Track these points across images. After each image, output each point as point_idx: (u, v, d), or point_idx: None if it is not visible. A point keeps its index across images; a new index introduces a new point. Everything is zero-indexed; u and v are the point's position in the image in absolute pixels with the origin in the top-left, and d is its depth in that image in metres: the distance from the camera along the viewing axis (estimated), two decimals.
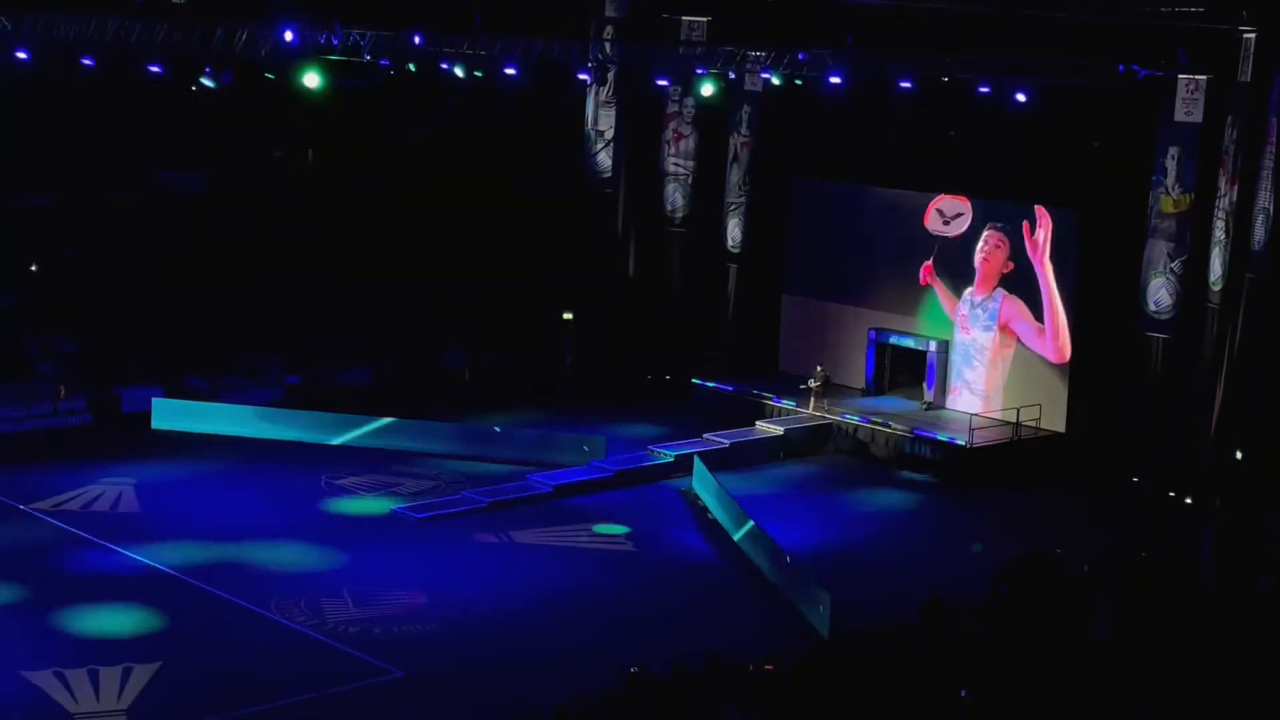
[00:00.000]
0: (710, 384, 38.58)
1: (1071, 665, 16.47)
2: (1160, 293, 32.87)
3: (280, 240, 43.12)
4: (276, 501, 31.11)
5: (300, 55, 30.68)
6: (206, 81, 31.26)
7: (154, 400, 36.11)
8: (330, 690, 22.26)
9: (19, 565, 26.84)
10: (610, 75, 39.06)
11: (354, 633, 24.29)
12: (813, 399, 36.28)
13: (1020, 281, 35.54)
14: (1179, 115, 32.26)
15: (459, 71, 33.75)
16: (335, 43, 30.90)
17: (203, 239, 42.47)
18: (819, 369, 36.62)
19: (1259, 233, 31.52)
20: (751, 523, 28.34)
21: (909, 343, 37.37)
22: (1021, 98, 33.04)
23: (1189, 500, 31.69)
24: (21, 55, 30.81)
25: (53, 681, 22.09)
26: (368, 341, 41.52)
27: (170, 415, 35.84)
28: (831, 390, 36.66)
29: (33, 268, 40.87)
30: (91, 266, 40.55)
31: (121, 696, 21.61)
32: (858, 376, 38.25)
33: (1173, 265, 32.65)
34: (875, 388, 37.81)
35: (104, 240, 41.26)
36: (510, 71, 34.26)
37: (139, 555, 27.47)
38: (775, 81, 36.00)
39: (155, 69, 31.25)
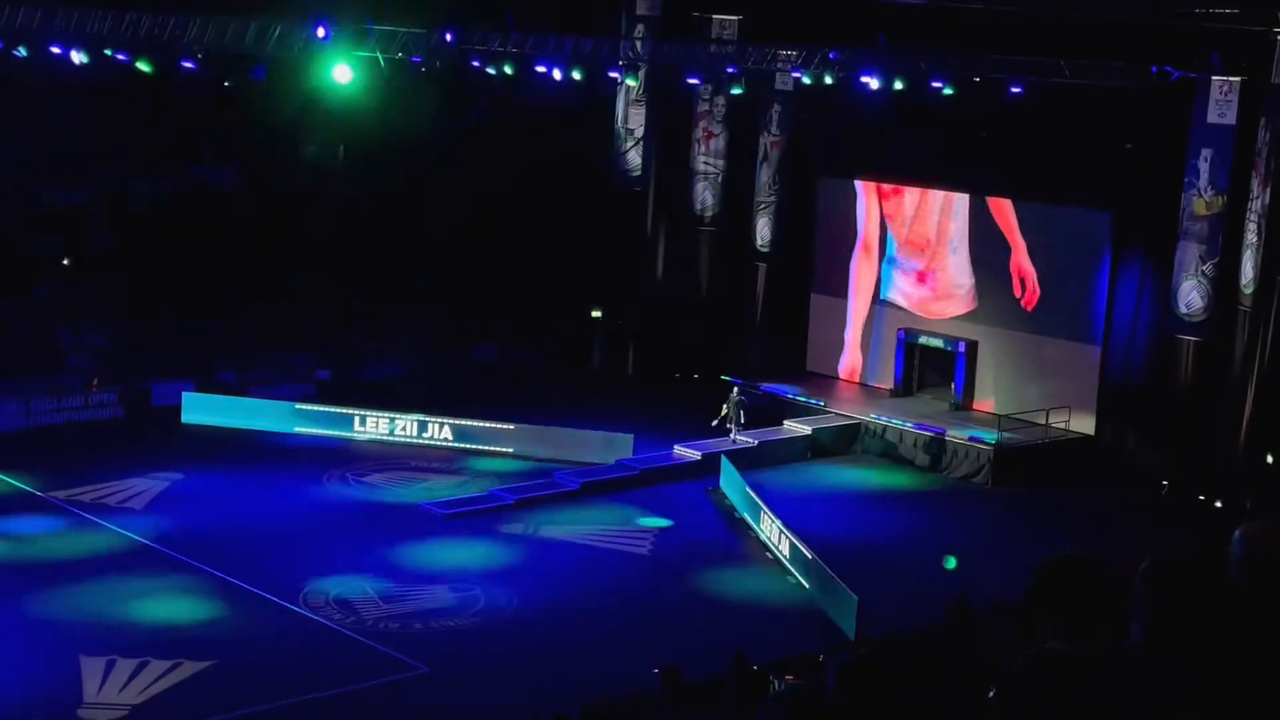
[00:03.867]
0: (737, 382, 38.51)
1: (1102, 668, 16.34)
2: (1192, 295, 32.71)
3: (311, 235, 43.25)
4: (301, 498, 31.19)
5: (333, 52, 30.79)
6: (239, 77, 31.38)
7: (184, 394, 36.27)
8: (356, 686, 22.33)
9: (51, 556, 27.05)
10: (641, 73, 39.07)
11: (380, 628, 24.35)
12: (731, 426, 34.40)
13: None
14: (1212, 117, 32.09)
15: (490, 69, 33.80)
16: (368, 39, 30.98)
17: (234, 234, 42.62)
18: (734, 391, 35.02)
19: None
20: (778, 522, 28.30)
21: (937, 343, 37.27)
22: (1054, 98, 32.92)
23: (1219, 504, 31.54)
24: (55, 50, 31.00)
25: (97, 668, 22.26)
26: (398, 337, 41.61)
27: (201, 409, 35.99)
28: (744, 414, 34.26)
29: (65, 262, 41.08)
30: (124, 261, 40.73)
31: (145, 690, 21.69)
32: (887, 377, 38.26)
33: (1204, 268, 32.48)
34: (904, 388, 37.73)
35: (136, 235, 41.43)
36: (541, 69, 34.30)
37: (171, 550, 27.58)
38: (806, 81, 35.97)
39: (188, 64, 31.39)
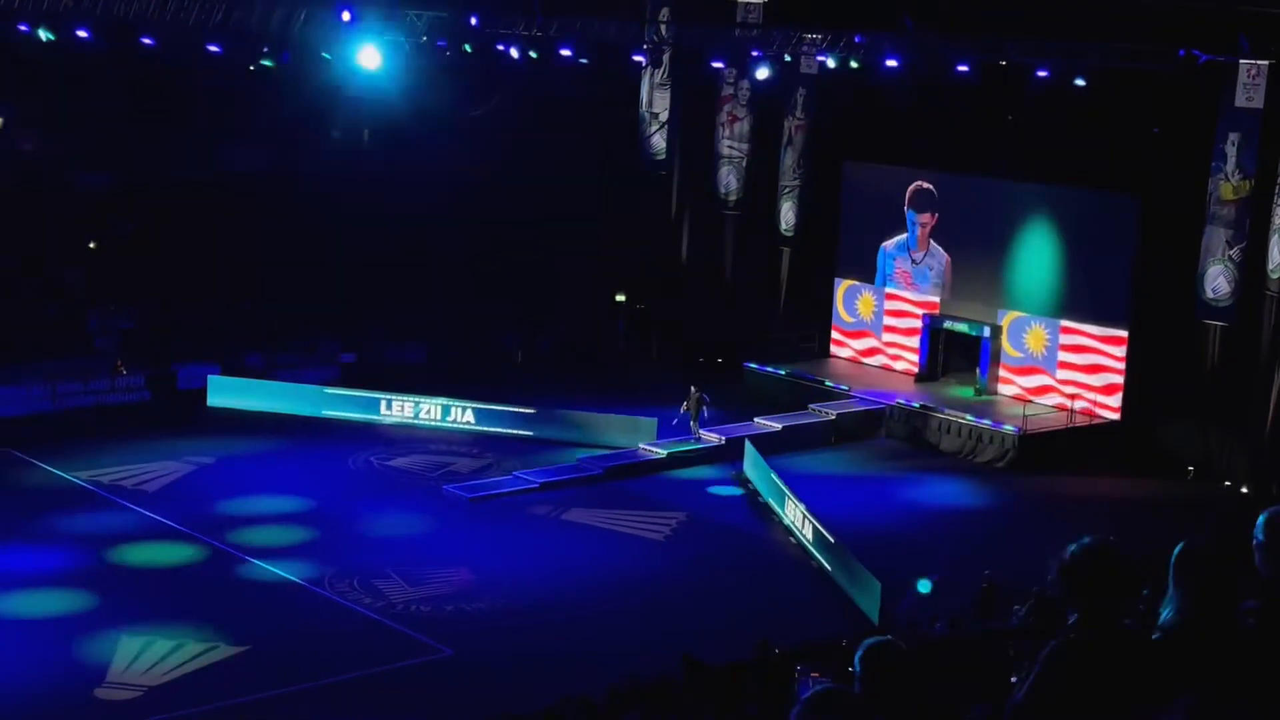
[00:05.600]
0: (762, 367, 38.52)
1: (1127, 655, 16.30)
2: (1218, 280, 32.56)
3: (336, 219, 43.30)
4: (327, 481, 31.29)
5: (358, 35, 30.84)
6: (265, 61, 31.46)
7: (210, 377, 36.39)
8: (379, 668, 22.42)
9: (83, 539, 27.23)
10: (666, 57, 39.00)
11: (408, 612, 24.44)
12: (693, 424, 33.44)
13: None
14: (1240, 101, 31.91)
15: (515, 53, 33.81)
16: (392, 23, 31.03)
17: (259, 217, 42.71)
18: (692, 390, 33.66)
19: None
20: (802, 506, 28.31)
21: (962, 328, 37.20)
22: (1080, 82, 32.77)
23: (1245, 489, 31.43)
24: (83, 33, 31.12)
25: (134, 647, 22.46)
26: (423, 320, 41.67)
27: (226, 392, 36.12)
28: (702, 413, 33.47)
29: (92, 245, 41.23)
30: (150, 244, 40.88)
31: (170, 672, 21.81)
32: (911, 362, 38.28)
33: (1231, 252, 32.33)
34: (929, 373, 37.66)
35: (163, 218, 41.57)
36: (566, 53, 34.30)
37: (198, 533, 27.72)
38: (831, 64, 35.86)
39: (214, 48, 31.47)
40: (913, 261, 38.86)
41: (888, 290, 38.91)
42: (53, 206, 40.60)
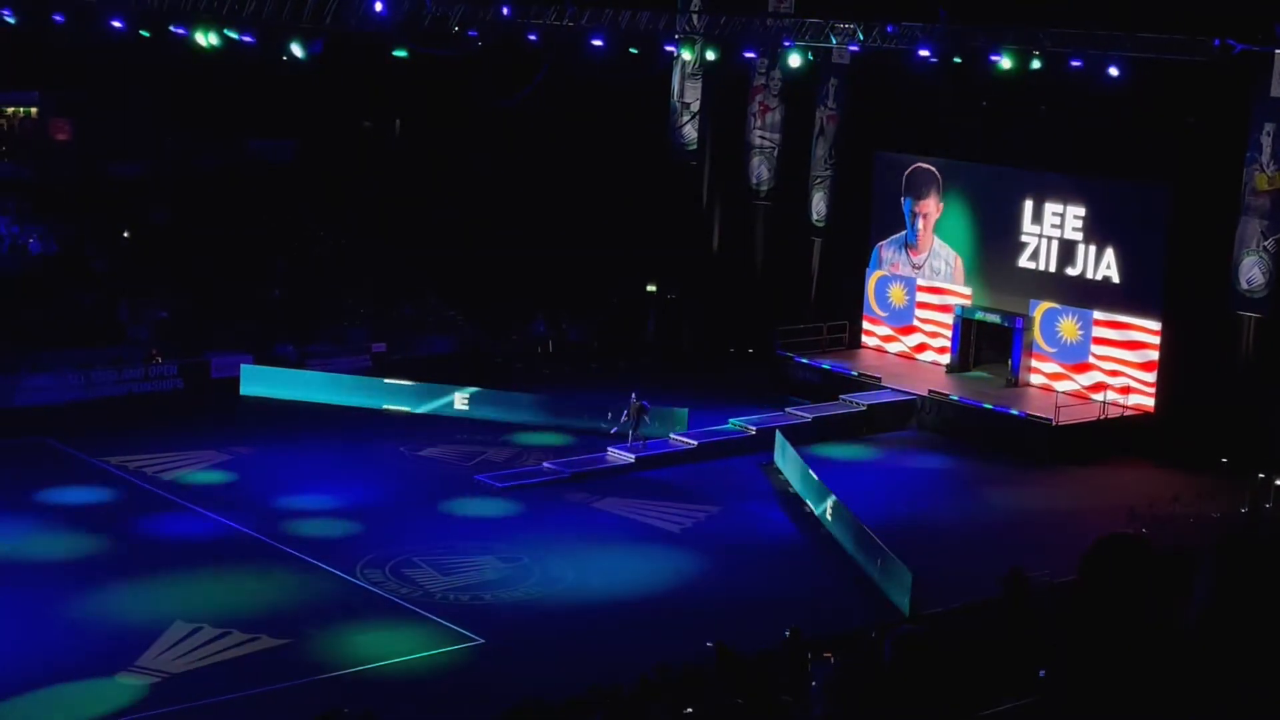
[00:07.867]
0: (793, 357, 38.47)
1: (1157, 648, 16.25)
2: (1253, 271, 32.38)
3: (368, 209, 43.47)
4: (357, 470, 31.39)
5: (390, 26, 30.91)
6: (297, 51, 31.53)
7: (243, 366, 36.56)
8: (412, 656, 22.50)
9: (108, 524, 27.39)
10: (697, 47, 38.99)
11: (437, 600, 24.51)
12: (631, 431, 32.43)
13: None
14: (1275, 91, 31.72)
15: (546, 43, 33.86)
16: (425, 14, 31.09)
17: (292, 207, 42.89)
18: (633, 397, 32.59)
19: None
20: (833, 497, 28.28)
21: (994, 319, 37.05)
22: (1114, 72, 32.62)
23: (1279, 481, 31.23)
24: (116, 24, 31.28)
25: (181, 632, 22.65)
26: (453, 311, 41.78)
27: (259, 382, 36.28)
28: (644, 420, 32.46)
29: (125, 234, 41.46)
30: (183, 234, 41.09)
31: (201, 660, 21.91)
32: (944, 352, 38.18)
33: (1266, 243, 32.15)
34: (960, 364, 37.53)
35: (195, 208, 41.78)
36: (597, 43, 34.31)
37: (229, 520, 27.85)
38: (863, 54, 35.74)
39: (247, 38, 31.57)
40: (913, 265, 38.70)
41: (919, 282, 38.79)
42: (86, 196, 40.88)
